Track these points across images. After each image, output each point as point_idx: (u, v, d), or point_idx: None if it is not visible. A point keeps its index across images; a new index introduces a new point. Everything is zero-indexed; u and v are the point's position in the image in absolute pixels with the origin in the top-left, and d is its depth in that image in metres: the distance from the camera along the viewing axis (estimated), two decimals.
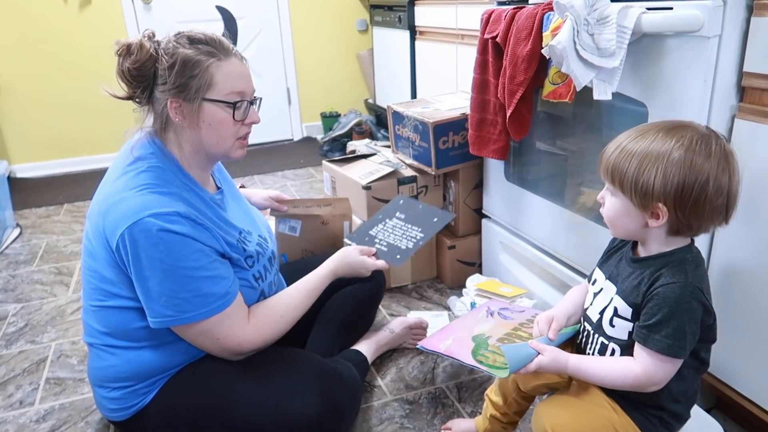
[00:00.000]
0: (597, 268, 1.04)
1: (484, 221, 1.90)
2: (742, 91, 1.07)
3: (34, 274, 2.20)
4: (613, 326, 0.96)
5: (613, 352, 0.96)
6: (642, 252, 0.95)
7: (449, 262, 1.93)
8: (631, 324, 0.93)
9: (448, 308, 1.81)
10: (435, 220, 1.49)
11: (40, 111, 3.46)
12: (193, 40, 1.09)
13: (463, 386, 1.45)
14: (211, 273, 1.07)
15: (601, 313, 0.98)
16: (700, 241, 1.16)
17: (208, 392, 1.13)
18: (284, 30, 3.85)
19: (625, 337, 0.94)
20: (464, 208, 1.91)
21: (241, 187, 1.45)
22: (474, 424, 1.27)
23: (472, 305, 1.65)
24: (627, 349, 0.94)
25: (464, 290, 1.78)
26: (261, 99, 1.20)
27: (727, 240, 1.12)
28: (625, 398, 0.95)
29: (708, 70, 1.05)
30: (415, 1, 2.87)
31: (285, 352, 1.22)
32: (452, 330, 1.10)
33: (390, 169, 1.87)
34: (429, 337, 1.10)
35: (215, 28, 3.67)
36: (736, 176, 0.86)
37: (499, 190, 1.78)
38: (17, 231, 2.62)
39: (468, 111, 1.69)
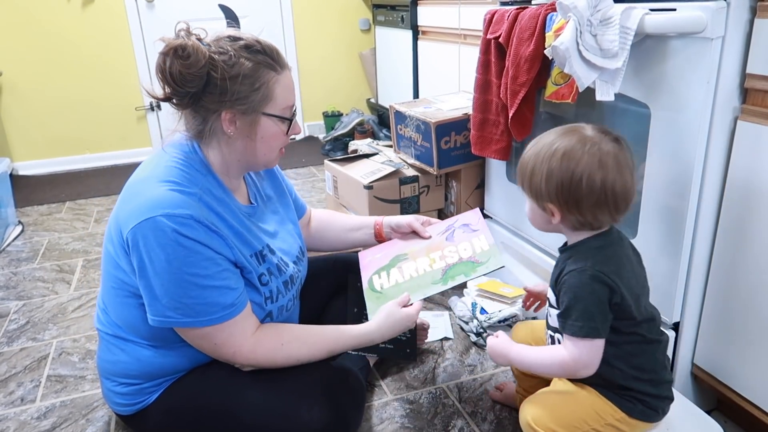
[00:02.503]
0: None
1: (485, 221, 1.90)
2: (745, 93, 1.07)
3: (36, 272, 2.21)
4: (551, 316, 1.03)
5: (558, 343, 1.02)
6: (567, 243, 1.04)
7: None
8: (557, 311, 1.00)
9: (449, 308, 1.81)
10: None
11: (42, 109, 3.46)
12: (251, 50, 1.04)
13: (463, 386, 1.45)
14: (219, 283, 1.03)
15: (548, 306, 1.06)
16: (702, 243, 1.16)
17: (214, 396, 1.12)
18: (287, 29, 3.85)
19: (557, 325, 1.00)
20: (466, 208, 1.91)
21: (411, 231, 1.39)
22: (514, 389, 1.33)
23: (473, 306, 1.65)
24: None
25: (465, 290, 1.78)
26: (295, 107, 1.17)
27: (729, 242, 1.12)
28: (596, 383, 0.99)
29: (711, 72, 1.05)
30: (418, 1, 2.87)
31: None
32: (392, 245, 1.36)
33: (392, 169, 1.87)
34: (373, 248, 1.37)
35: (218, 27, 3.68)
36: (613, 174, 0.91)
37: (501, 190, 1.78)
38: (19, 228, 2.62)
39: (470, 111, 1.69)
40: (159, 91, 1.05)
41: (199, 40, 1.03)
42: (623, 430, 0.99)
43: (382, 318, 1.18)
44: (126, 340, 1.14)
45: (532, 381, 1.22)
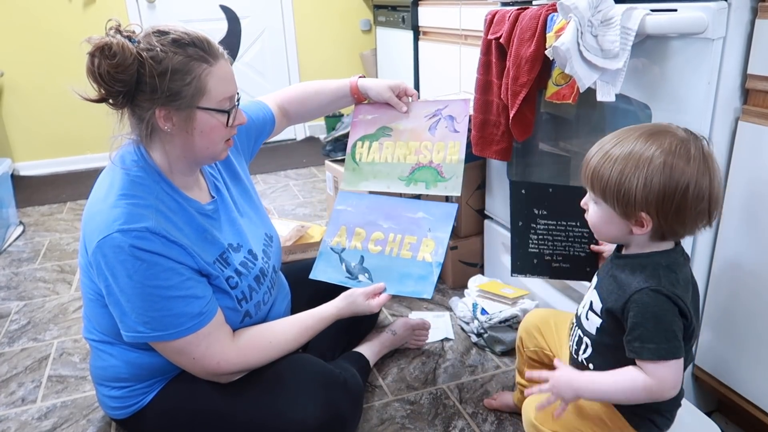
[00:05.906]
0: None
1: (486, 222, 1.90)
2: (746, 94, 1.07)
3: (37, 272, 2.21)
4: (587, 319, 0.97)
5: (586, 347, 0.98)
6: (624, 250, 0.96)
7: (451, 263, 1.93)
8: (600, 320, 0.94)
9: (449, 309, 1.81)
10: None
11: (43, 109, 3.46)
12: (179, 44, 1.00)
13: (464, 387, 1.45)
14: (183, 292, 1.02)
15: (585, 306, 1.00)
16: (704, 244, 1.16)
17: (209, 396, 1.12)
18: (288, 30, 3.86)
19: (593, 331, 0.95)
20: (467, 208, 1.91)
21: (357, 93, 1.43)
22: (511, 397, 1.32)
23: (474, 306, 1.65)
24: (596, 345, 0.96)
25: (466, 291, 1.78)
26: (240, 95, 1.14)
27: (730, 243, 1.12)
28: None
29: (712, 73, 1.05)
30: (419, 2, 2.87)
31: (288, 356, 1.18)
32: (385, 111, 1.42)
33: None
34: (373, 104, 1.43)
35: (220, 28, 3.69)
36: (717, 178, 0.86)
37: (502, 191, 1.77)
38: (20, 229, 2.62)
39: (471, 112, 1.69)
40: (93, 93, 1.01)
41: (128, 38, 0.99)
42: None
43: (344, 304, 1.24)
44: (113, 344, 1.14)
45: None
